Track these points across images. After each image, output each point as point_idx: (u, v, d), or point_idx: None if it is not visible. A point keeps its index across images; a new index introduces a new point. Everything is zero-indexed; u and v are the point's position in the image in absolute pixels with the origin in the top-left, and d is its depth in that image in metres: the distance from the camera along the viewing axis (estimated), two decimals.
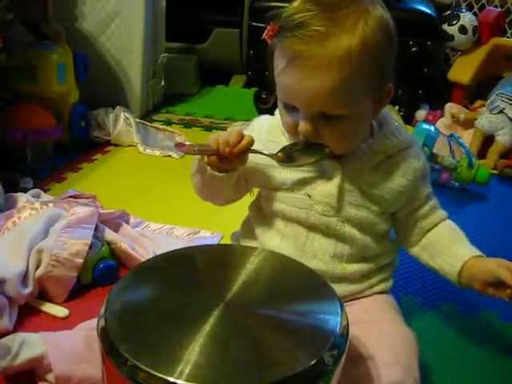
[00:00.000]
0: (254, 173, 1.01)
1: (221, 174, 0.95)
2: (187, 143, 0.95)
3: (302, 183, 0.99)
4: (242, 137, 0.91)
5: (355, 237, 1.00)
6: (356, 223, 1.00)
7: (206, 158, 0.95)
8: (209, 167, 0.95)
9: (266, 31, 0.89)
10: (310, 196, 0.99)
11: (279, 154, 0.96)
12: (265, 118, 1.06)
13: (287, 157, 0.96)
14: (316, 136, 0.92)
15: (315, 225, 1.00)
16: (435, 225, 1.08)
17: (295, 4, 0.88)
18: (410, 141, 1.03)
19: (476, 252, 1.04)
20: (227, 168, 0.95)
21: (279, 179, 1.00)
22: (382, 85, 0.93)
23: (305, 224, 1.00)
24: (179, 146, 0.94)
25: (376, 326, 0.95)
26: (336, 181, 0.98)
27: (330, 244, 1.00)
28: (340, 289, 0.97)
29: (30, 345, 0.95)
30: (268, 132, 1.03)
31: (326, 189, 0.98)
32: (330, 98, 0.88)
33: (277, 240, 1.03)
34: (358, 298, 1.04)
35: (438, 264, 1.06)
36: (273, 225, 1.03)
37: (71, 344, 0.96)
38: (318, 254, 1.00)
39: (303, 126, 0.91)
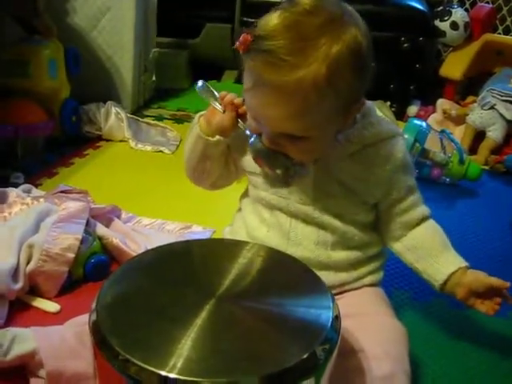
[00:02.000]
0: (237, 150, 1.06)
1: (210, 139, 1.02)
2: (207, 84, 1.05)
3: (282, 174, 1.00)
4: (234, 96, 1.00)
5: (335, 225, 1.01)
6: (334, 212, 1.01)
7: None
8: (198, 123, 1.03)
9: (239, 41, 0.87)
10: (288, 185, 1.01)
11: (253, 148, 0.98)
12: None
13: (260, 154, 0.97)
14: (279, 149, 0.94)
15: (295, 213, 1.01)
16: (418, 223, 1.07)
17: (271, 24, 0.85)
18: (393, 132, 1.02)
19: (464, 262, 1.05)
20: (215, 122, 1.00)
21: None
22: (352, 105, 0.92)
23: (286, 212, 1.02)
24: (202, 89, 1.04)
25: (366, 319, 0.96)
26: (311, 170, 0.99)
27: (312, 231, 1.02)
28: (327, 277, 0.97)
29: (22, 340, 0.94)
30: None
31: (302, 178, 0.99)
32: (293, 124, 0.88)
33: (264, 231, 1.04)
34: (348, 291, 1.04)
35: (423, 267, 1.06)
36: (259, 213, 1.05)
37: (62, 339, 0.96)
38: (302, 241, 1.02)
39: (265, 140, 0.94)
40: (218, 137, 1.01)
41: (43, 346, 0.94)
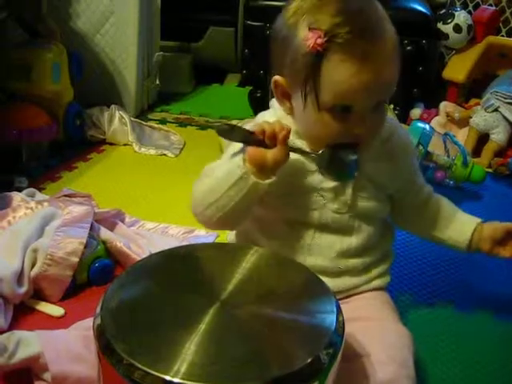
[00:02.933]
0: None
1: (258, 180, 0.89)
2: (231, 125, 0.94)
3: (315, 184, 1.00)
4: (283, 127, 0.90)
5: (362, 229, 1.03)
6: (365, 215, 1.03)
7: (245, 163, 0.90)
8: (245, 168, 0.89)
9: (311, 42, 0.87)
10: (323, 196, 1.00)
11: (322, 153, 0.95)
12: (269, 116, 1.03)
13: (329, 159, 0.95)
14: (365, 130, 0.93)
15: (326, 223, 1.01)
16: (429, 198, 1.14)
17: (335, 11, 0.88)
18: (396, 124, 1.08)
19: (478, 218, 1.15)
20: (268, 162, 0.89)
21: (305, 182, 0.99)
22: None
23: (314, 224, 1.01)
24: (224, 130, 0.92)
25: (372, 324, 0.96)
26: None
27: (336, 240, 1.02)
28: (342, 282, 1.02)
29: (26, 344, 0.94)
30: None
31: (339, 187, 1.00)
32: (392, 84, 0.94)
33: (276, 244, 1.02)
34: (357, 294, 1.05)
35: (447, 235, 1.14)
36: (274, 231, 1.03)
37: (67, 343, 0.96)
38: (323, 251, 1.02)
39: (360, 126, 0.92)
40: (273, 177, 0.91)
41: (48, 349, 0.94)
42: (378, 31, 0.90)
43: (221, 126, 0.91)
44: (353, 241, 1.03)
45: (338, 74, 0.88)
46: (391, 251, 1.12)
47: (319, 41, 0.87)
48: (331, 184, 0.99)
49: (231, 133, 0.92)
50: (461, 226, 1.14)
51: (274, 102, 1.04)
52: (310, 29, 0.88)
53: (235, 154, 0.93)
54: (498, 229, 1.12)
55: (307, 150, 0.97)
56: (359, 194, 1.01)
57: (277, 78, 0.96)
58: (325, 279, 0.98)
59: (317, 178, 0.99)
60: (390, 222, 1.13)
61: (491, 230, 1.13)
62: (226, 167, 0.92)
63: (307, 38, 0.88)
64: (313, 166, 0.99)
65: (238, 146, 0.95)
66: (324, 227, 1.01)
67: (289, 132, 0.89)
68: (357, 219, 1.02)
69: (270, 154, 0.89)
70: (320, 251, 1.02)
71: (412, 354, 0.94)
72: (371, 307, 1.03)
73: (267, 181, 0.90)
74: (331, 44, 0.87)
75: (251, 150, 0.89)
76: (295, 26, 0.91)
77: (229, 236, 1.15)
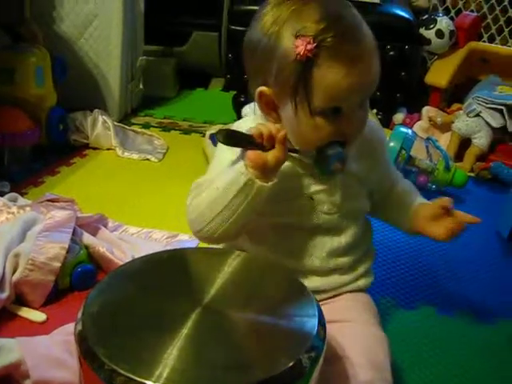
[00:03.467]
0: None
1: (262, 183, 0.89)
2: (230, 130, 0.92)
3: (304, 187, 1.01)
4: (279, 128, 0.91)
5: (349, 227, 1.05)
6: (352, 214, 1.05)
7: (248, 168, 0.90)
8: (249, 174, 0.88)
9: (301, 49, 0.88)
10: (312, 198, 1.01)
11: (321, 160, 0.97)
12: (247, 124, 1.02)
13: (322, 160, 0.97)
14: (355, 126, 0.97)
15: (316, 226, 1.02)
16: (395, 185, 1.17)
17: (317, 17, 0.90)
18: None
19: (424, 200, 1.15)
20: (269, 164, 0.89)
21: (294, 187, 1.00)
22: None
23: (304, 228, 1.02)
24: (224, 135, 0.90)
25: (352, 326, 0.97)
26: (337, 177, 1.02)
27: (326, 241, 1.04)
28: (332, 280, 1.05)
29: (7, 351, 0.93)
30: None
31: (328, 188, 1.02)
32: (376, 81, 0.96)
33: (265, 249, 1.03)
34: (343, 293, 1.07)
35: (394, 218, 1.18)
36: (262, 237, 1.03)
37: (49, 349, 0.95)
38: (313, 252, 1.03)
39: (350, 124, 0.95)
40: (274, 179, 0.91)
41: (29, 356, 0.93)
42: (359, 34, 0.92)
43: (220, 130, 0.90)
44: (342, 240, 1.05)
45: (329, 77, 0.90)
46: (372, 248, 1.15)
47: (309, 47, 0.88)
48: (320, 186, 1.01)
49: (231, 137, 0.91)
50: (407, 209, 1.14)
51: (246, 111, 1.06)
52: (297, 36, 0.89)
53: (234, 162, 0.93)
54: (430, 206, 1.11)
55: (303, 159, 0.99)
56: (347, 192, 1.03)
57: (262, 89, 0.95)
58: (315, 279, 1.03)
59: (306, 182, 1.01)
60: (368, 219, 1.15)
61: (424, 209, 1.12)
62: (227, 177, 0.91)
63: (296, 45, 0.88)
64: (301, 170, 1.00)
65: (226, 154, 0.96)
66: (315, 229, 1.03)
67: (280, 131, 0.90)
68: (345, 218, 1.04)
69: (271, 156, 0.89)
70: (310, 252, 1.03)
71: (389, 358, 0.96)
72: (352, 309, 1.04)
73: (270, 183, 0.90)
74: (319, 49, 0.88)
75: (252, 154, 0.89)
76: (277, 35, 0.92)
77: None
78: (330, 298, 1.06)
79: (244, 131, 0.92)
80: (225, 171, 0.93)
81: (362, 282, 1.09)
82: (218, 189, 0.92)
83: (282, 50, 0.91)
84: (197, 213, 0.95)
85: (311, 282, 1.03)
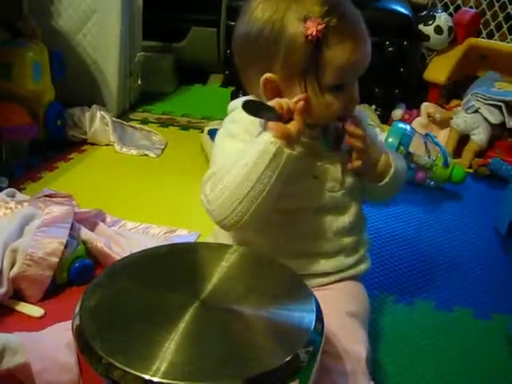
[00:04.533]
0: None
1: (291, 151, 0.91)
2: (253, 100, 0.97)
3: (308, 167, 1.03)
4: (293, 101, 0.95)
5: (351, 205, 1.08)
6: (352, 191, 1.07)
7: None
8: (278, 143, 0.90)
9: (312, 31, 0.92)
10: (316, 177, 1.03)
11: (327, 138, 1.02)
12: (239, 123, 1.02)
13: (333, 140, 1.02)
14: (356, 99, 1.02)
15: (322, 205, 1.04)
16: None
17: (318, 1, 0.95)
18: None
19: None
20: (293, 134, 0.92)
21: (299, 168, 1.00)
22: None
23: (311, 208, 1.04)
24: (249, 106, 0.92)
25: (333, 318, 0.96)
26: (336, 154, 1.04)
27: (332, 220, 1.06)
28: (339, 262, 1.07)
29: (12, 352, 0.91)
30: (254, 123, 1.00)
31: (331, 165, 1.04)
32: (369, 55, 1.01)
33: (270, 235, 1.04)
34: (341, 281, 1.08)
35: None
36: (268, 223, 1.02)
37: (54, 353, 0.92)
38: (320, 233, 1.05)
39: (353, 98, 1.00)
40: (297, 148, 0.94)
41: (35, 359, 0.91)
42: (357, 15, 1.00)
43: (245, 101, 0.92)
44: (346, 219, 1.07)
45: (338, 55, 0.95)
46: (366, 232, 1.16)
47: (319, 27, 0.92)
48: (322, 163, 1.04)
49: (256, 109, 0.93)
50: None
51: (234, 105, 1.08)
52: (305, 19, 0.93)
53: (258, 135, 0.94)
54: None
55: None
56: (345, 168, 1.05)
57: (268, 75, 0.97)
58: (322, 261, 1.05)
59: (309, 161, 1.03)
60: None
61: None
62: (256, 149, 0.91)
63: (307, 27, 0.93)
64: (303, 150, 0.99)
65: (229, 144, 0.99)
66: (321, 209, 1.05)
67: (299, 103, 0.93)
68: (347, 196, 1.06)
69: (292, 126, 0.93)
70: (317, 233, 1.05)
71: (368, 349, 0.97)
72: (343, 300, 1.04)
73: (295, 152, 0.93)
74: (327, 30, 0.93)
75: (275, 125, 0.92)
76: (282, 22, 0.95)
77: (209, 238, 1.15)
78: (331, 283, 1.07)
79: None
80: (248, 149, 0.93)
81: (363, 266, 1.12)
82: (247, 164, 0.91)
83: (289, 34, 0.94)
84: (222, 198, 0.93)
85: (318, 265, 1.05)
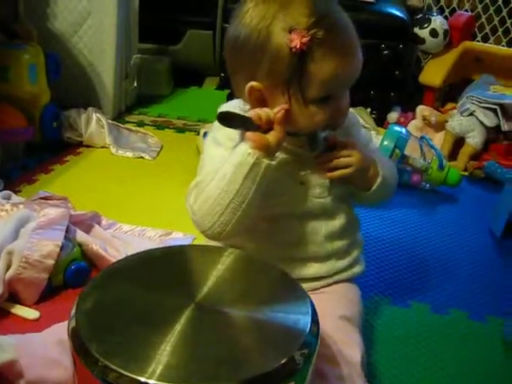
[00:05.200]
0: None
1: (269, 161, 0.91)
2: (229, 112, 0.95)
3: (294, 173, 1.03)
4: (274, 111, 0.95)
5: (341, 210, 1.07)
6: (342, 196, 1.07)
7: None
8: (255, 154, 0.91)
9: (297, 43, 0.90)
10: (302, 183, 1.03)
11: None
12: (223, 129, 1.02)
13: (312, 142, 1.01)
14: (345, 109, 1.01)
15: (309, 212, 1.04)
16: None
17: (307, 11, 0.92)
18: None
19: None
20: (271, 145, 0.92)
21: (285, 175, 1.01)
22: None
23: (298, 214, 1.04)
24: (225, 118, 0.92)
25: (328, 322, 0.96)
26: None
27: (321, 225, 1.05)
28: (330, 266, 1.07)
29: (1, 349, 0.92)
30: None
31: (317, 172, 1.04)
32: (359, 68, 0.99)
33: (259, 243, 1.04)
34: (334, 284, 1.08)
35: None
36: (256, 230, 1.03)
37: (44, 348, 0.94)
38: (310, 237, 1.05)
39: (340, 109, 0.99)
40: (276, 158, 0.95)
41: (24, 355, 0.92)
42: (346, 26, 0.97)
43: (221, 113, 0.92)
44: (336, 223, 1.07)
45: (323, 68, 0.93)
46: (360, 234, 1.16)
47: (304, 40, 0.91)
48: (308, 170, 1.03)
49: (231, 120, 0.93)
50: None
51: (225, 107, 1.08)
52: (291, 30, 0.91)
53: (235, 147, 0.94)
54: None
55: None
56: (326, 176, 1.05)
57: (252, 84, 0.96)
58: (314, 265, 1.05)
59: (294, 167, 1.03)
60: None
61: None
62: (234, 161, 0.92)
63: (291, 39, 0.91)
64: (288, 157, 1.01)
65: (214, 151, 0.99)
66: (308, 215, 1.04)
67: (279, 112, 0.93)
68: (336, 201, 1.06)
69: (272, 137, 0.93)
70: (306, 239, 1.04)
71: (362, 353, 0.97)
72: (336, 303, 1.04)
73: (274, 162, 0.93)
74: (312, 42, 0.91)
75: (253, 135, 0.92)
76: (268, 31, 0.93)
77: (204, 241, 1.15)
78: (324, 287, 1.07)
79: (241, 113, 0.95)
80: (228, 159, 0.94)
81: (356, 269, 1.12)
82: (226, 175, 0.92)
83: (274, 44, 0.93)
84: (205, 209, 0.94)
85: (310, 269, 1.05)
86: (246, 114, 0.94)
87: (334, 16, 0.95)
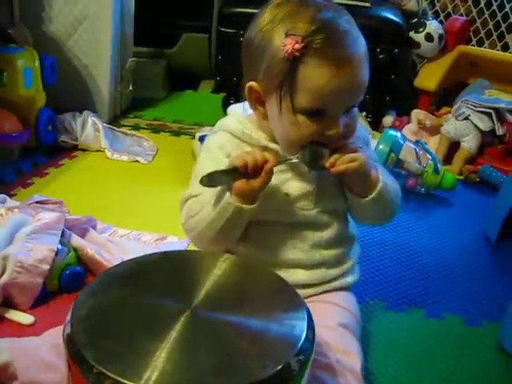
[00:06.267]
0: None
1: (250, 206, 0.97)
2: (208, 175, 0.95)
3: (280, 184, 1.03)
4: (263, 153, 0.96)
5: (331, 223, 1.06)
6: (333, 211, 1.06)
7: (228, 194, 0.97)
8: (236, 202, 0.96)
9: (289, 48, 0.91)
10: (288, 195, 1.03)
11: (306, 155, 0.99)
12: (218, 136, 1.07)
13: (313, 158, 0.99)
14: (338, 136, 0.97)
15: (295, 221, 1.04)
16: None
17: (310, 18, 0.92)
18: None
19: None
20: (256, 190, 0.96)
21: (270, 184, 1.01)
22: None
23: (284, 223, 1.04)
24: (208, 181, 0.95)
25: (326, 330, 0.96)
26: (312, 175, 1.03)
27: (307, 234, 1.05)
28: (320, 274, 1.07)
29: None
30: (230, 143, 1.05)
31: (303, 184, 1.03)
32: (363, 89, 0.97)
33: (249, 246, 1.05)
34: (332, 291, 1.08)
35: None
36: (245, 233, 1.05)
37: (38, 351, 0.94)
38: (296, 245, 1.05)
39: (333, 128, 0.96)
40: (258, 199, 0.98)
41: (18, 357, 0.92)
42: (349, 39, 0.94)
43: (203, 178, 0.94)
44: (323, 234, 1.06)
45: (314, 78, 0.92)
46: (357, 244, 1.16)
47: (297, 46, 0.90)
48: (296, 183, 1.03)
49: (216, 180, 0.95)
50: None
51: (232, 109, 1.10)
52: (287, 35, 0.92)
53: (222, 191, 0.98)
54: None
55: (288, 156, 1.01)
56: (322, 191, 1.04)
57: (251, 84, 0.99)
58: (301, 272, 1.05)
59: (283, 178, 1.03)
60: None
61: None
62: (215, 204, 0.98)
63: (285, 43, 0.91)
64: (278, 167, 1.00)
65: (207, 166, 1.00)
66: (294, 224, 1.04)
67: (274, 162, 0.95)
68: (325, 214, 1.06)
69: (257, 184, 0.96)
70: (293, 245, 1.05)
71: (362, 361, 0.97)
72: (334, 312, 1.05)
73: (255, 204, 0.97)
74: (308, 49, 0.91)
75: (238, 185, 0.95)
76: (271, 33, 0.94)
77: None
78: (317, 294, 1.07)
79: (225, 167, 0.97)
80: (213, 200, 0.99)
81: (350, 279, 1.11)
82: (210, 215, 0.99)
83: (273, 47, 0.94)
84: (194, 234, 1.04)
85: (297, 276, 1.05)
86: (231, 164, 0.95)
87: (337, 27, 0.93)
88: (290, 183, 1.03)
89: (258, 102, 1.01)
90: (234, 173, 0.95)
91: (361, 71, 0.95)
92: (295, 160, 0.99)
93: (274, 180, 1.00)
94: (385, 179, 1.05)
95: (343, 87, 0.93)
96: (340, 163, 0.98)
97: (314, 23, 0.91)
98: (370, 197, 1.04)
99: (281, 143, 1.02)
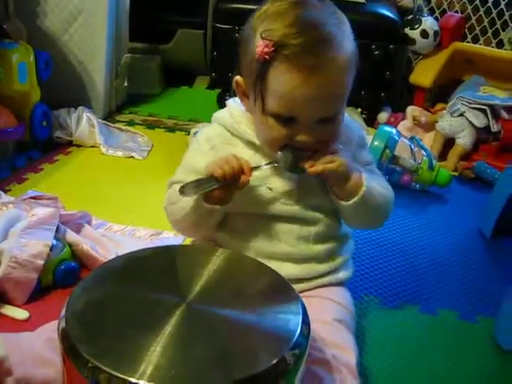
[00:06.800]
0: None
1: (223, 206, 0.99)
2: (188, 184, 0.96)
3: (263, 178, 1.03)
4: (240, 161, 0.96)
5: (318, 219, 1.06)
6: (319, 208, 1.06)
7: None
8: (208, 205, 0.98)
9: (259, 50, 0.90)
10: (271, 189, 1.03)
11: (284, 159, 0.99)
12: (210, 128, 1.09)
13: (292, 162, 0.99)
14: (314, 138, 0.96)
15: (279, 214, 1.04)
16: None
17: (291, 21, 0.90)
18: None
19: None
20: (230, 196, 0.98)
21: (252, 177, 1.01)
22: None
23: (268, 216, 1.04)
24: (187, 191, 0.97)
25: (321, 326, 0.96)
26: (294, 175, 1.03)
27: (293, 228, 1.05)
28: (310, 268, 1.06)
29: None
30: (219, 136, 1.06)
31: (285, 181, 1.03)
32: (340, 100, 0.95)
33: (237, 237, 1.06)
34: (323, 286, 1.08)
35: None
36: (234, 225, 1.06)
37: (33, 346, 0.94)
38: (283, 237, 1.05)
39: (305, 136, 0.95)
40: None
41: (13, 352, 0.92)
42: (327, 46, 0.91)
43: (181, 188, 0.96)
44: (311, 229, 1.06)
45: (282, 84, 0.91)
46: (351, 241, 1.15)
47: (266, 50, 0.90)
48: (278, 178, 1.03)
49: (192, 191, 0.96)
50: None
51: (231, 102, 1.10)
52: (261, 37, 0.91)
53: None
54: None
55: (270, 163, 1.02)
56: (304, 188, 1.04)
57: (237, 78, 1.01)
58: (290, 265, 1.04)
59: (265, 172, 1.03)
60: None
61: None
62: (191, 205, 0.99)
63: (257, 45, 0.91)
64: (261, 160, 1.02)
65: (196, 156, 1.05)
66: (278, 217, 1.04)
67: (249, 173, 0.97)
68: (310, 210, 1.05)
69: (234, 193, 0.98)
70: (281, 238, 1.05)
71: (357, 356, 0.97)
72: (329, 307, 1.05)
73: (229, 202, 1.00)
74: (278, 54, 0.90)
75: (216, 195, 0.97)
76: (255, 31, 0.95)
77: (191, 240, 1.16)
78: (311, 289, 1.07)
79: (204, 177, 0.97)
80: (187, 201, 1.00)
81: (342, 275, 1.10)
82: (185, 208, 1.01)
83: (253, 45, 0.94)
84: (173, 219, 1.07)
85: (286, 269, 1.04)
86: (209, 172, 0.96)
87: (317, 32, 0.90)
88: (272, 179, 1.03)
89: (244, 95, 1.02)
90: (211, 181, 0.96)
91: (335, 81, 0.92)
92: (275, 164, 1.01)
93: (256, 174, 1.00)
94: (371, 184, 1.03)
95: (312, 96, 0.91)
96: (318, 164, 0.97)
97: (294, 26, 0.89)
98: (352, 201, 1.02)
99: (259, 141, 1.03)
